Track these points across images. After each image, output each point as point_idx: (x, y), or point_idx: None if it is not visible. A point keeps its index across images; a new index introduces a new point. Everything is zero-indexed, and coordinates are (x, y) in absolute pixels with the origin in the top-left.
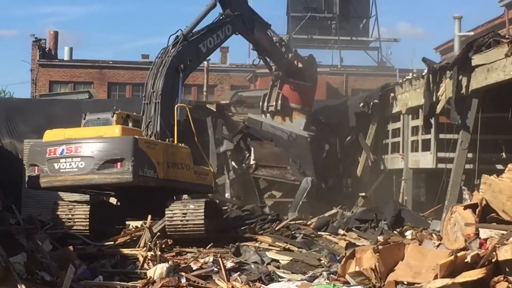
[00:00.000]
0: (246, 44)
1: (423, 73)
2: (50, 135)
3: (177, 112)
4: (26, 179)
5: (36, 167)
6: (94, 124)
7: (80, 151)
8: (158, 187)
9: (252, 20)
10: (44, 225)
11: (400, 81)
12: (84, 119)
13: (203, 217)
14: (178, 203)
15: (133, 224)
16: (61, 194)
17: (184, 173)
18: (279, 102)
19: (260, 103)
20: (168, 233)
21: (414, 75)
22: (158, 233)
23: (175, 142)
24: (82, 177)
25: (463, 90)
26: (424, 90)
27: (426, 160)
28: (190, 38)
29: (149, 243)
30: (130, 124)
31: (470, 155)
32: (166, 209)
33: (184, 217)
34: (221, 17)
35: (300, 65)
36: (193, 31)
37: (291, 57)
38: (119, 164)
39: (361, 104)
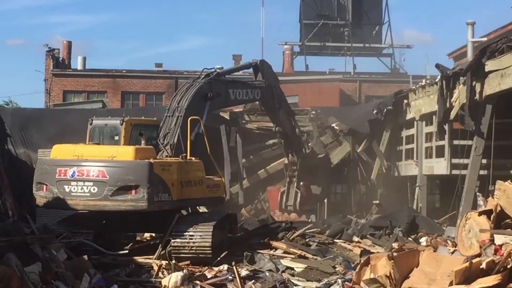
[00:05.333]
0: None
1: (437, 80)
2: (59, 151)
3: (198, 125)
4: (35, 197)
5: (45, 186)
6: (102, 131)
7: (92, 175)
8: (172, 209)
9: (280, 100)
10: (58, 235)
11: (414, 87)
12: (91, 124)
13: (210, 242)
14: (186, 226)
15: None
16: None
17: (197, 189)
18: (298, 201)
19: (279, 200)
20: (173, 255)
21: (428, 81)
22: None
23: (188, 156)
24: (94, 203)
25: (477, 96)
26: (437, 97)
27: (440, 166)
28: (222, 78)
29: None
30: (142, 142)
31: (484, 161)
32: (172, 233)
33: (192, 238)
34: (253, 82)
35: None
36: (226, 76)
37: (308, 152)
38: (133, 191)
39: (375, 111)
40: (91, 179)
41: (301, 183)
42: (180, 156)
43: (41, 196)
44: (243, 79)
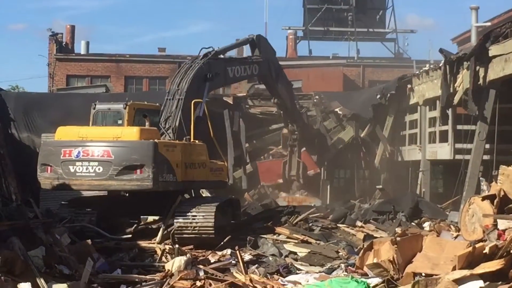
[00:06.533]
0: None
1: (440, 64)
2: (63, 133)
3: (199, 108)
4: (38, 179)
5: (49, 167)
6: (105, 115)
7: (97, 155)
8: (176, 190)
9: (278, 73)
10: (62, 219)
11: (417, 72)
12: (94, 108)
13: (213, 222)
14: (188, 207)
15: (150, 218)
16: None
17: (201, 172)
18: (300, 171)
19: (282, 170)
20: (176, 236)
21: (431, 66)
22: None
23: (192, 139)
24: (100, 183)
25: (481, 81)
26: (441, 81)
27: (443, 151)
28: (221, 57)
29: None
30: (147, 124)
31: (487, 146)
32: (175, 213)
33: (194, 218)
34: (250, 58)
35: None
36: (225, 54)
37: (307, 122)
38: (138, 170)
39: (378, 96)
40: (96, 159)
41: (302, 150)
42: (184, 139)
43: (45, 177)
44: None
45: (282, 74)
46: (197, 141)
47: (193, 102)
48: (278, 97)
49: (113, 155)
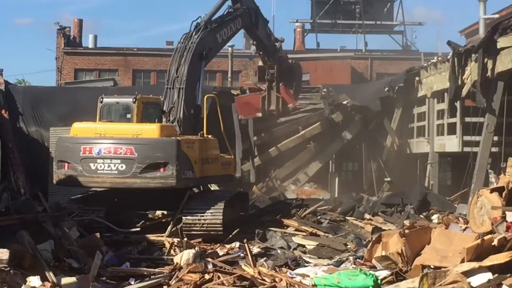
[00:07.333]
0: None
1: (448, 57)
2: (79, 129)
3: (207, 103)
4: (54, 175)
5: (67, 164)
6: (113, 109)
7: (120, 153)
8: (194, 186)
9: (257, 16)
10: (71, 213)
11: (425, 64)
12: (101, 102)
13: (221, 219)
14: (197, 204)
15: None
16: None
17: (213, 167)
18: (280, 106)
19: (261, 105)
20: (184, 232)
21: (439, 58)
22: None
23: (205, 134)
24: (123, 180)
25: (489, 73)
26: (449, 74)
27: (452, 143)
28: (210, 27)
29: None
30: (164, 120)
31: (496, 138)
32: (183, 210)
33: (202, 215)
34: (230, 10)
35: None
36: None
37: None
38: (162, 168)
39: (386, 89)
40: (119, 157)
41: (280, 84)
42: (199, 134)
43: (62, 174)
44: None
45: (259, 13)
46: (209, 136)
47: (205, 97)
48: (257, 39)
49: (136, 152)
